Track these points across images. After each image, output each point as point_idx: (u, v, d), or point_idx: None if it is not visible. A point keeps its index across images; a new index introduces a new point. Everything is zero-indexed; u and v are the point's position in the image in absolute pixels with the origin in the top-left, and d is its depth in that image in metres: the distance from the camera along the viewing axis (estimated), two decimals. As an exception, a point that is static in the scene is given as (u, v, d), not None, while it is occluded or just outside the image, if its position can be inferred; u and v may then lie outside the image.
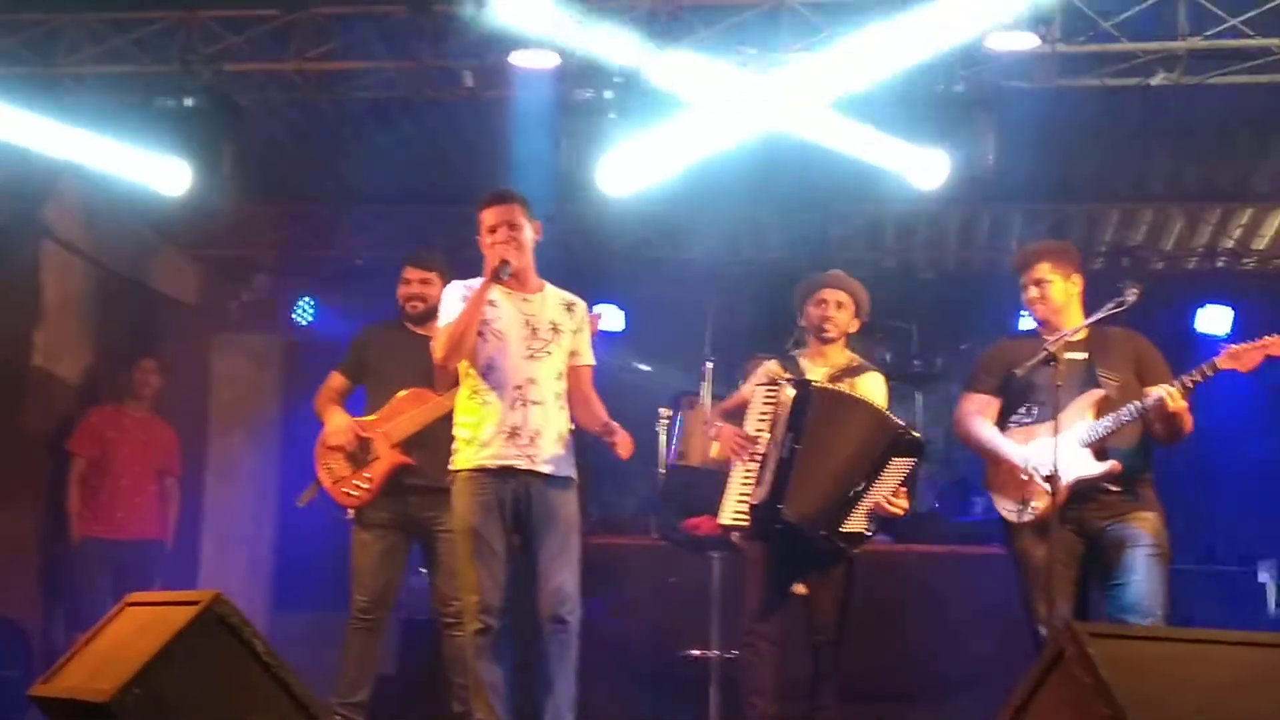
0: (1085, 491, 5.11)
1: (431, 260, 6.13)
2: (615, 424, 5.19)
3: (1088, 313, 5.28)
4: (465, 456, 5.12)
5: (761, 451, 5.43)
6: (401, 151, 8.56)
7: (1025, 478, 5.13)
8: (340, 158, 8.74)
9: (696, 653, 6.33)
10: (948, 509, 8.77)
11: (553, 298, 5.28)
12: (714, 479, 7.01)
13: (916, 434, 5.46)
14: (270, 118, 7.94)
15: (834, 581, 5.49)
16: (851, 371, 5.68)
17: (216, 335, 10.05)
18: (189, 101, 6.88)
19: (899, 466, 5.34)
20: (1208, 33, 6.55)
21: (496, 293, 5.13)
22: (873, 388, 5.65)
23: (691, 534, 6.47)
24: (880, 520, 5.41)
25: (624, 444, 5.12)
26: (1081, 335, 5.26)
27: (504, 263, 5.06)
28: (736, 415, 5.70)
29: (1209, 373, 4.96)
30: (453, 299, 5.15)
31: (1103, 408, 5.15)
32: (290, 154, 8.60)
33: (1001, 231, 9.53)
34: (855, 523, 5.34)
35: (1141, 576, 5.06)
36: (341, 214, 9.64)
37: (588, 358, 5.32)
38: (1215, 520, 8.09)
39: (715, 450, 7.00)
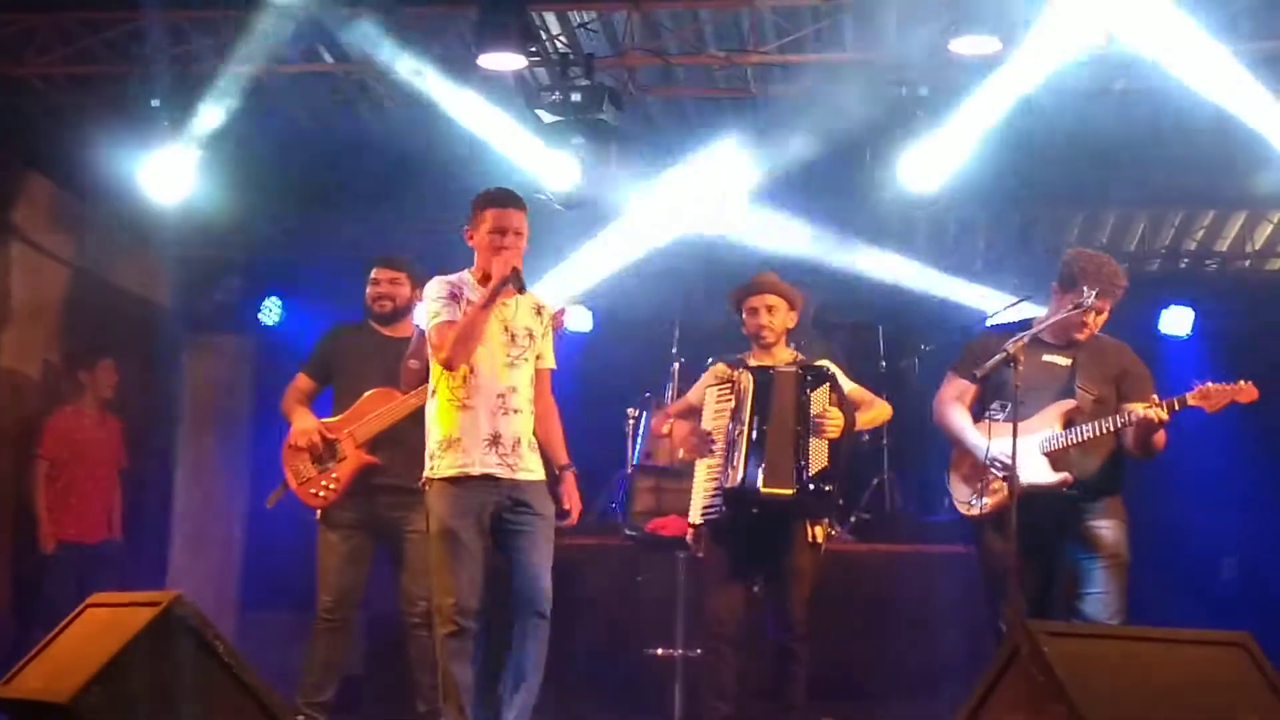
0: (1043, 497, 5.16)
1: (400, 261, 6.14)
2: (574, 494, 5.27)
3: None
4: (446, 463, 5.08)
5: (722, 445, 5.49)
6: (369, 152, 8.56)
7: (984, 468, 5.20)
8: (308, 159, 8.72)
9: (661, 651, 6.36)
10: (914, 509, 8.81)
11: (525, 301, 5.27)
12: (680, 479, 7.08)
13: (815, 364, 5.58)
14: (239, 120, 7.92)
15: (801, 576, 5.53)
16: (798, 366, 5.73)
17: (187, 336, 10.01)
18: (156, 103, 6.87)
19: (817, 396, 5.46)
20: (1171, 38, 6.61)
21: (480, 297, 5.09)
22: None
23: (658, 534, 6.51)
24: (836, 452, 5.49)
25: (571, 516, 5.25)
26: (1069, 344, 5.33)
27: (516, 272, 5.06)
28: (685, 420, 5.78)
29: (1176, 407, 5.03)
30: (437, 294, 5.12)
31: (1071, 419, 5.22)
32: (260, 154, 8.58)
33: (968, 234, 9.58)
34: (816, 458, 5.41)
35: (1099, 589, 5.19)
36: (310, 215, 9.61)
37: (549, 361, 5.33)
38: (1176, 517, 8.14)
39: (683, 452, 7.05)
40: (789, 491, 5.38)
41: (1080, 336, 5.31)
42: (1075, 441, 5.17)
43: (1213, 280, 9.38)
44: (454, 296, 5.11)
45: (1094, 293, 5.16)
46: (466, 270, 5.24)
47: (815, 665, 5.58)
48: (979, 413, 5.41)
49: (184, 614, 3.75)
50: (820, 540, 5.57)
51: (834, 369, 5.65)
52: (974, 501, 5.30)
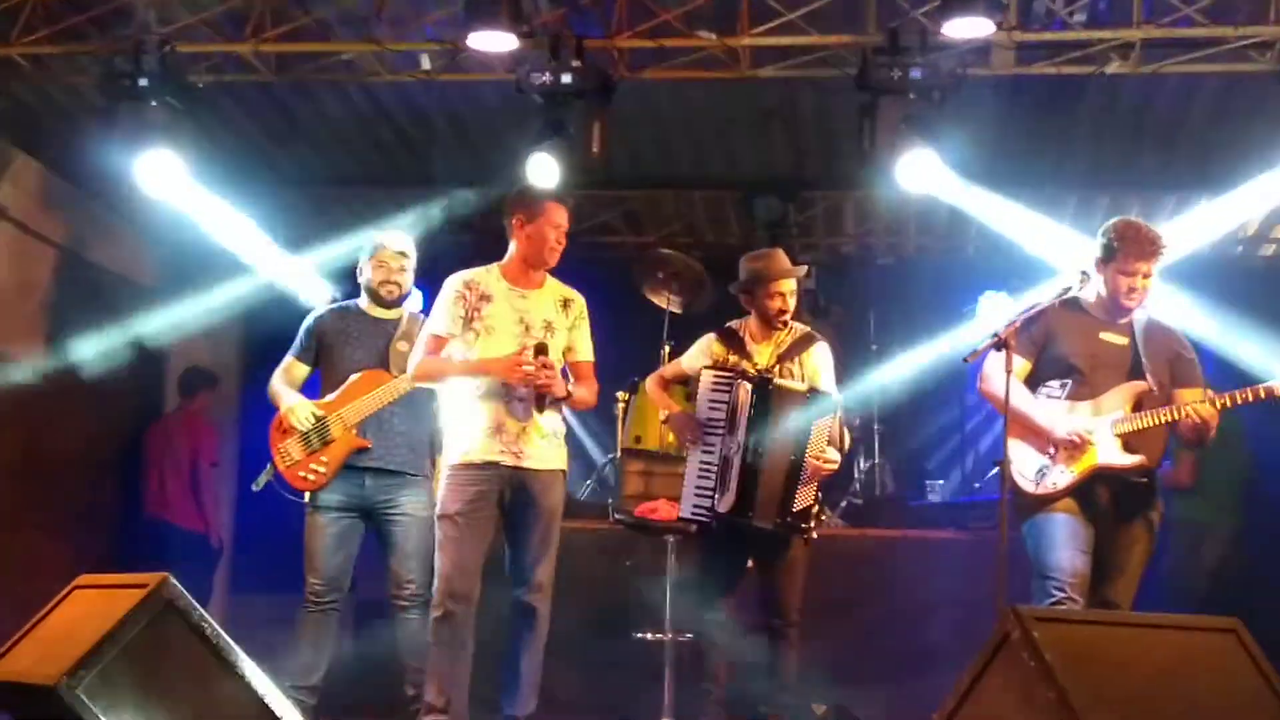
0: (1109, 477, 5.17)
1: (409, 244, 6.07)
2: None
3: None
4: (452, 449, 5.16)
5: (716, 442, 5.47)
6: (360, 133, 8.54)
7: (1065, 436, 5.14)
8: (297, 139, 8.70)
9: (651, 635, 6.36)
10: (903, 494, 8.83)
11: (550, 294, 5.27)
12: (670, 463, 7.06)
13: (823, 390, 5.54)
14: (227, 99, 7.90)
15: (794, 565, 5.56)
16: (798, 347, 5.69)
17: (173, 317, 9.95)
18: (143, 82, 6.82)
19: (820, 428, 5.43)
20: (1162, 21, 6.61)
21: (494, 288, 5.16)
22: (820, 361, 5.69)
23: (647, 519, 6.50)
24: (821, 486, 5.50)
25: (555, 383, 5.13)
26: (1124, 321, 5.29)
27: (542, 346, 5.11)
28: (678, 386, 5.79)
29: (1262, 395, 5.00)
30: (443, 296, 5.15)
31: (1141, 401, 5.18)
32: (246, 135, 8.55)
33: (959, 218, 9.55)
34: (802, 498, 5.41)
35: (1130, 577, 5.21)
36: (299, 195, 9.58)
37: (584, 353, 5.36)
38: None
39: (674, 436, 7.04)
40: (769, 526, 5.44)
41: (1131, 304, 5.23)
42: (1148, 425, 5.12)
43: (1205, 266, 9.37)
44: (461, 299, 5.14)
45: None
46: (496, 265, 5.25)
47: (805, 650, 5.60)
48: (1033, 390, 5.31)
49: (172, 596, 3.74)
50: (814, 534, 5.59)
51: (839, 396, 5.62)
52: (1038, 478, 5.21)
